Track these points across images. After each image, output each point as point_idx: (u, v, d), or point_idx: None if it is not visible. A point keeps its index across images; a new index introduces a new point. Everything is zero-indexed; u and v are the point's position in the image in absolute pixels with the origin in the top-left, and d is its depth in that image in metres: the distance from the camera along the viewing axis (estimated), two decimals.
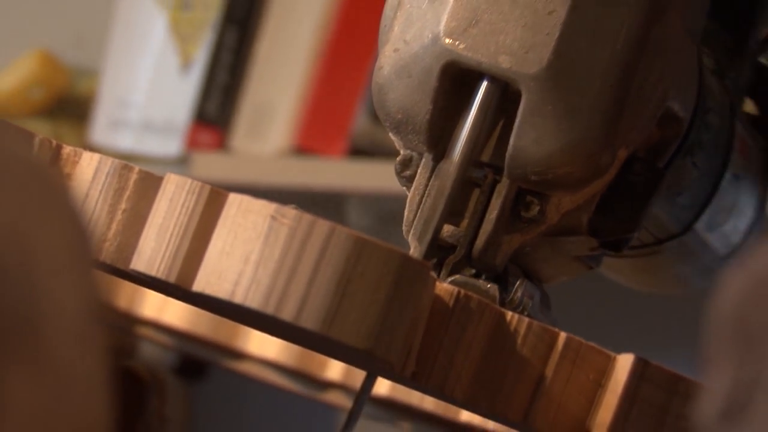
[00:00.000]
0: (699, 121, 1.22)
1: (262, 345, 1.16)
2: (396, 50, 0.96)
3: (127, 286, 1.19)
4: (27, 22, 2.62)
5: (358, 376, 1.22)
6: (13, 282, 0.56)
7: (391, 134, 1.04)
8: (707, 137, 1.29)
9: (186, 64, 2.35)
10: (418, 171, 1.02)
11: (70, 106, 2.59)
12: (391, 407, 1.23)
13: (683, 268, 1.52)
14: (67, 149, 0.97)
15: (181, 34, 2.35)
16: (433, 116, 0.97)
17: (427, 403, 1.17)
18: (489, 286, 1.03)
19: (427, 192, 1.01)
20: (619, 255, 1.20)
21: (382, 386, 1.20)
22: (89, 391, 0.74)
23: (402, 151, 1.04)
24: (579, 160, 1.00)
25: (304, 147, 2.31)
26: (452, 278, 1.00)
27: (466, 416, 1.20)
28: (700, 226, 1.39)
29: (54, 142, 0.97)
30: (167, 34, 2.36)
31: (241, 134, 2.32)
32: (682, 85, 1.11)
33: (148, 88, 2.36)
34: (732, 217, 1.46)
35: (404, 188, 1.07)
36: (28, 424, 0.61)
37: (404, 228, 1.05)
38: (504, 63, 0.95)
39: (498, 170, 1.00)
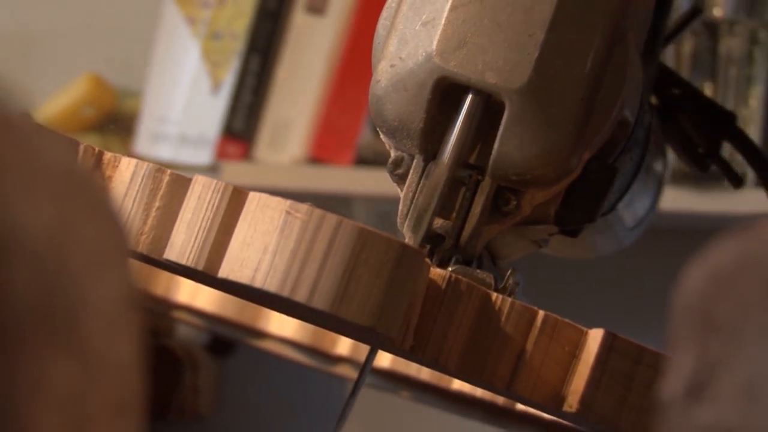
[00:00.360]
0: (639, 121, 1.24)
1: (281, 325, 1.17)
2: (392, 66, 0.98)
3: (164, 276, 1.21)
4: (79, 49, 2.64)
5: (365, 351, 1.19)
6: (52, 275, 0.55)
7: (385, 138, 1.06)
8: (641, 134, 1.33)
9: (216, 86, 2.40)
10: (411, 171, 1.02)
11: (116, 122, 2.62)
12: (391, 378, 1.23)
13: (599, 238, 1.57)
14: (108, 155, 0.98)
15: (211, 61, 2.41)
16: (426, 124, 0.98)
17: (424, 373, 1.19)
18: (485, 275, 1.04)
19: (419, 189, 1.01)
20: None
21: (384, 359, 1.25)
22: (121, 372, 0.73)
23: (393, 153, 1.05)
24: (553, 162, 1.01)
25: (317, 157, 2.36)
26: (453, 268, 1.00)
27: (457, 385, 1.22)
28: (621, 205, 1.43)
29: (96, 149, 0.98)
30: (200, 61, 2.41)
31: (263, 146, 2.37)
32: (632, 94, 1.13)
33: (183, 107, 2.41)
34: (642, 195, 1.53)
35: (396, 185, 1.07)
36: (64, 404, 0.60)
37: (399, 220, 1.06)
38: (490, 79, 0.96)
39: (481, 171, 1.01)
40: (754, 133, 2.27)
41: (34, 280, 0.54)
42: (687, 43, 2.22)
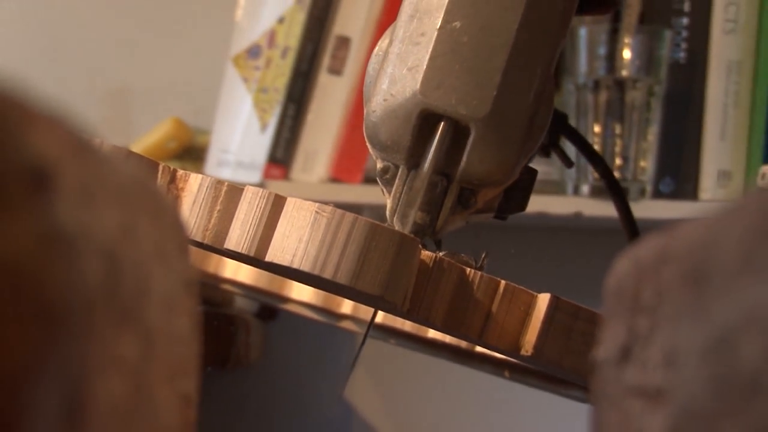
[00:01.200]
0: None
1: (299, 293, 1.23)
2: (385, 100, 0.98)
3: (214, 258, 1.24)
4: (166, 99, 2.64)
5: (362, 309, 1.27)
6: (119, 266, 0.50)
7: (376, 152, 1.04)
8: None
9: (263, 126, 2.43)
10: (397, 177, 1.01)
11: (192, 152, 2.62)
12: (382, 330, 1.23)
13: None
14: (180, 172, 0.97)
15: (260, 108, 2.46)
16: (411, 143, 0.98)
17: (407, 326, 1.23)
18: (467, 258, 1.01)
19: (404, 191, 1.01)
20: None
21: (377, 316, 1.22)
22: (178, 344, 0.71)
23: (381, 163, 1.03)
24: (505, 172, 1.01)
25: (336, 177, 2.40)
26: (443, 253, 0.96)
27: (431, 334, 1.25)
28: None
29: (171, 168, 0.97)
30: (252, 108, 2.46)
31: (297, 169, 2.42)
32: (550, 112, 1.09)
33: (239, 141, 2.46)
34: None
35: (383, 187, 1.07)
36: (129, 372, 0.57)
37: (388, 215, 1.05)
38: (461, 111, 0.96)
39: (450, 178, 1.00)
40: (651, 160, 2.24)
41: (103, 270, 0.50)
42: (602, 95, 2.22)
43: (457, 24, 0.96)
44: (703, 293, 0.55)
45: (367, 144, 1.04)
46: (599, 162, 1.34)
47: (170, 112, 2.64)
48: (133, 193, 0.60)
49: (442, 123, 0.97)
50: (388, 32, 1.04)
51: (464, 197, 1.02)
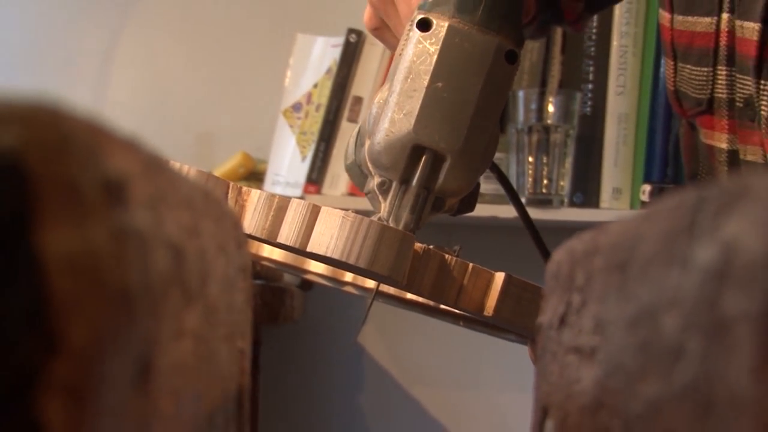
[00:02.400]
0: None
1: (316, 267, 1.19)
2: (387, 135, 0.95)
3: (254, 245, 1.16)
4: (238, 140, 2.59)
5: (362, 279, 1.22)
6: (190, 259, 0.48)
7: (377, 171, 1.00)
8: None
9: (303, 157, 2.45)
10: (392, 189, 0.98)
11: (255, 176, 2.59)
12: (382, 295, 1.18)
13: None
14: (244, 188, 0.95)
15: (301, 145, 2.48)
16: (404, 166, 0.96)
17: (390, 290, 1.16)
18: (448, 249, 0.98)
19: (397, 199, 0.98)
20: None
21: (368, 283, 1.21)
22: (236, 312, 0.67)
23: (379, 178, 0.99)
24: (468, 187, 1.01)
25: (352, 192, 2.39)
26: (431, 246, 0.94)
27: (409, 296, 1.18)
28: None
29: (238, 186, 0.96)
30: (295, 145, 2.49)
31: (326, 187, 2.44)
32: (496, 147, 1.09)
33: (287, 168, 2.46)
34: None
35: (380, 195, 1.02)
36: (199, 335, 0.53)
37: (384, 216, 1.01)
38: (441, 145, 0.95)
39: (430, 190, 0.98)
40: (567, 181, 2.26)
41: (170, 260, 0.45)
42: (534, 136, 2.23)
43: (439, 84, 0.93)
44: (627, 278, 0.51)
45: (370, 165, 0.99)
46: (509, 188, 1.29)
47: (240, 148, 2.62)
48: (199, 201, 0.55)
49: (427, 153, 0.95)
50: (384, 88, 1.00)
51: (437, 204, 0.99)
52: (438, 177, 0.95)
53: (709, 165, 1.19)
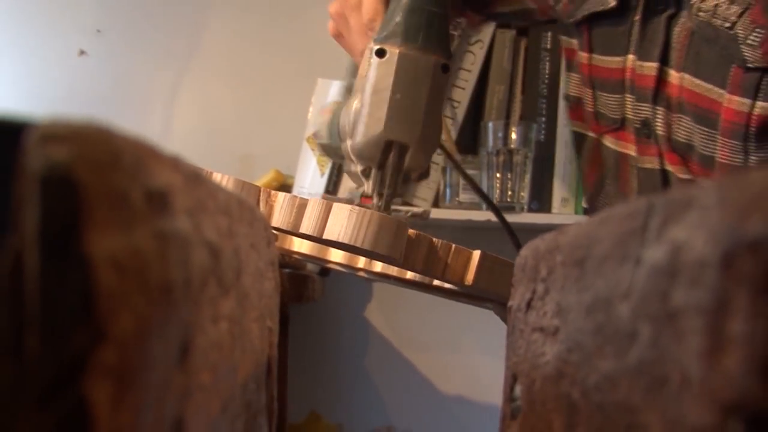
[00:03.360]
0: None
1: (335, 256, 1.13)
2: (364, 135, 0.97)
3: (287, 239, 1.15)
4: (272, 160, 2.55)
5: (372, 265, 1.15)
6: (226, 256, 0.42)
7: (360, 161, 1.01)
8: None
9: (322, 174, 2.39)
10: (372, 173, 1.01)
11: (284, 188, 2.55)
12: (382, 276, 1.15)
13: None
14: (272, 192, 0.94)
15: (320, 164, 2.43)
16: (380, 157, 0.98)
17: (392, 270, 1.11)
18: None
19: (378, 181, 1.01)
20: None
21: (377, 267, 1.16)
22: (266, 297, 0.63)
23: (362, 167, 1.01)
24: (427, 163, 1.04)
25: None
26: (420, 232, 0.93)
27: (404, 274, 1.11)
28: None
29: (268, 190, 0.95)
30: (316, 164, 2.42)
31: (339, 196, 2.38)
32: (440, 134, 1.10)
33: (309, 181, 2.41)
34: None
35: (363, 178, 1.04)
36: (233, 318, 0.49)
37: (368, 191, 1.04)
38: (405, 138, 0.97)
39: (399, 170, 1.01)
40: (527, 192, 2.21)
41: (208, 257, 0.42)
42: (501, 158, 2.20)
43: (398, 96, 0.96)
44: (584, 272, 0.47)
45: (354, 157, 1.01)
46: (485, 198, 1.27)
47: (273, 166, 2.58)
48: (235, 208, 0.52)
49: (394, 145, 0.98)
50: (353, 101, 1.01)
51: (405, 178, 1.00)
52: (404, 160, 0.97)
53: (615, 172, 1.19)
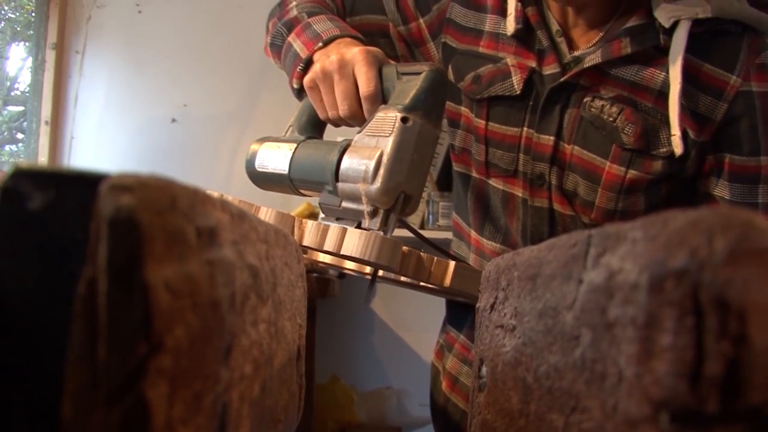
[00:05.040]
0: None
1: (349, 265, 1.03)
2: (385, 184, 0.87)
3: (314, 255, 1.00)
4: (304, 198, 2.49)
5: (367, 270, 1.04)
6: (264, 274, 0.40)
7: (371, 203, 0.86)
8: None
9: None
10: (380, 214, 0.87)
11: (313, 216, 2.48)
12: (382, 278, 1.09)
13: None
14: (303, 220, 0.88)
15: None
16: (392, 203, 0.89)
17: (391, 275, 1.02)
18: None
19: (383, 221, 0.88)
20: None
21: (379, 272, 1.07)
22: (296, 301, 0.59)
23: (369, 207, 0.87)
24: (418, 207, 0.91)
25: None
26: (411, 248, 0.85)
27: (402, 279, 1.01)
28: None
29: (300, 219, 0.88)
30: None
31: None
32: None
33: None
34: None
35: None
36: (270, 320, 0.46)
37: (373, 227, 0.87)
38: (413, 191, 0.88)
39: (400, 213, 0.89)
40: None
41: (249, 277, 0.38)
42: None
43: (415, 156, 0.87)
44: (536, 286, 0.44)
45: (365, 199, 0.88)
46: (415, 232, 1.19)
47: (305, 201, 2.53)
48: (272, 236, 0.48)
49: (402, 194, 0.85)
50: (363, 151, 0.90)
51: (401, 219, 0.91)
52: (407, 207, 0.88)
53: (503, 205, 1.16)
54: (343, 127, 1.02)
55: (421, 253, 0.89)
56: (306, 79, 0.99)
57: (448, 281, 0.88)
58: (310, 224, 0.88)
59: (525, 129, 1.10)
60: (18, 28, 3.20)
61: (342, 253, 0.83)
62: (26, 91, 3.08)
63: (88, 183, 0.26)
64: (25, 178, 0.26)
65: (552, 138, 1.08)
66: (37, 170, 0.27)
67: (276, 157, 1.03)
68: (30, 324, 0.25)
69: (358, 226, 0.90)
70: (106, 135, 2.91)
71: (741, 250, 0.24)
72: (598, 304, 0.31)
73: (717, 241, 0.25)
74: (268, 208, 0.91)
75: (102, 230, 0.25)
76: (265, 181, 1.05)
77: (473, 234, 1.22)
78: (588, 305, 0.33)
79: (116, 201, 0.25)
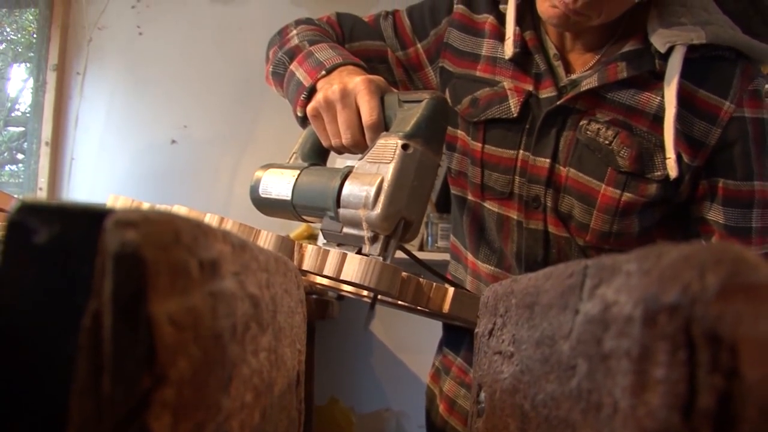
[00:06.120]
0: None
1: (347, 288, 1.02)
2: (386, 211, 0.87)
3: (312, 278, 0.97)
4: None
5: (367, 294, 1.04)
6: (264, 303, 0.41)
7: (371, 229, 0.87)
8: None
9: None
10: (380, 240, 0.88)
11: (312, 237, 2.48)
12: (381, 301, 1.08)
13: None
14: (304, 245, 0.86)
15: None
16: (392, 229, 0.89)
17: (389, 299, 1.02)
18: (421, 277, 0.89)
19: (383, 246, 0.88)
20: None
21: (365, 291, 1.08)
22: (296, 327, 0.59)
23: (369, 233, 0.87)
24: (418, 233, 0.92)
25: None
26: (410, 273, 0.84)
27: (400, 302, 1.00)
28: None
29: (300, 243, 0.86)
30: None
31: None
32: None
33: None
34: None
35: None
36: (270, 348, 0.47)
37: (373, 253, 0.88)
38: (413, 217, 0.89)
39: (400, 239, 0.89)
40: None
41: (250, 306, 0.39)
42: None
43: (416, 183, 0.87)
44: (533, 314, 0.44)
45: (365, 224, 0.87)
46: (417, 260, 1.16)
47: (304, 222, 2.53)
48: (272, 264, 0.48)
49: (403, 220, 0.86)
50: (365, 178, 0.89)
51: (401, 243, 0.90)
52: (407, 233, 0.88)
53: (498, 228, 1.17)
54: (346, 153, 1.02)
55: (420, 279, 0.88)
56: (309, 108, 0.99)
57: (446, 307, 0.88)
58: (310, 248, 0.87)
59: (521, 151, 1.12)
60: (19, 50, 3.21)
61: (342, 278, 0.82)
62: (27, 112, 3.09)
63: (93, 218, 0.27)
64: (32, 212, 0.27)
65: (548, 160, 1.10)
66: (43, 205, 0.27)
67: (279, 184, 1.03)
68: (36, 356, 0.26)
69: (359, 252, 0.90)
70: (106, 156, 2.92)
71: (732, 286, 0.25)
72: (594, 335, 0.32)
73: (709, 276, 0.25)
74: (268, 232, 0.91)
75: (107, 265, 0.25)
76: (268, 207, 1.05)
77: (469, 256, 1.23)
78: (584, 336, 0.33)
79: (121, 236, 0.25)
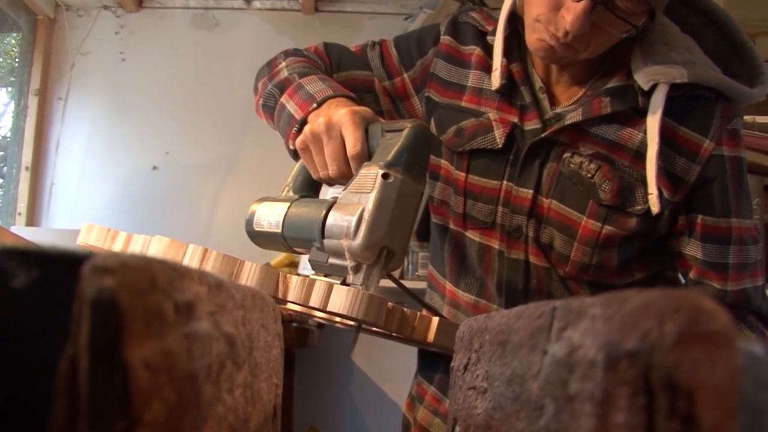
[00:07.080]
0: None
1: (319, 314, 1.01)
2: (367, 241, 0.88)
3: (290, 306, 0.96)
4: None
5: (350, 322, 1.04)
6: (240, 341, 0.43)
7: (353, 258, 0.87)
8: None
9: None
10: (363, 269, 0.88)
11: (293, 265, 2.47)
12: (365, 330, 1.07)
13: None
14: (288, 275, 0.85)
15: None
16: (374, 258, 0.89)
17: (373, 328, 1.01)
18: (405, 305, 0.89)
19: (366, 276, 0.88)
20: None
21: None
22: (273, 361, 0.58)
23: (352, 262, 0.88)
24: (402, 263, 0.92)
25: None
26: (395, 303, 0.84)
27: (377, 331, 0.99)
28: None
29: (284, 273, 0.86)
30: None
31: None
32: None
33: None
34: None
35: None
36: (246, 384, 0.46)
37: (355, 282, 0.88)
38: (396, 246, 0.89)
39: (384, 269, 0.89)
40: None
41: (226, 345, 0.40)
42: None
43: (396, 212, 0.87)
44: (505, 352, 0.45)
45: (348, 254, 0.87)
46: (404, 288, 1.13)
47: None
48: (249, 300, 0.49)
49: (385, 249, 0.86)
50: (349, 208, 0.89)
51: (385, 272, 0.91)
52: (390, 263, 0.88)
53: (479, 257, 1.18)
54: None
55: (405, 309, 0.88)
56: (298, 141, 1.00)
57: (431, 336, 0.88)
58: (294, 279, 0.87)
59: (505, 182, 1.13)
60: (1, 74, 3.21)
61: (329, 309, 0.82)
62: (7, 136, 3.08)
63: (71, 263, 0.27)
64: (10, 256, 0.28)
65: (531, 191, 1.11)
66: (21, 249, 0.28)
67: (271, 216, 1.04)
68: (12, 399, 0.27)
69: (343, 282, 0.90)
70: (87, 182, 2.92)
71: (689, 334, 0.26)
72: (560, 377, 0.33)
73: (667, 324, 0.26)
74: (252, 263, 0.91)
75: (84, 310, 0.26)
76: (262, 239, 1.06)
77: (448, 285, 1.24)
78: (551, 377, 0.34)
79: (98, 283, 0.26)
